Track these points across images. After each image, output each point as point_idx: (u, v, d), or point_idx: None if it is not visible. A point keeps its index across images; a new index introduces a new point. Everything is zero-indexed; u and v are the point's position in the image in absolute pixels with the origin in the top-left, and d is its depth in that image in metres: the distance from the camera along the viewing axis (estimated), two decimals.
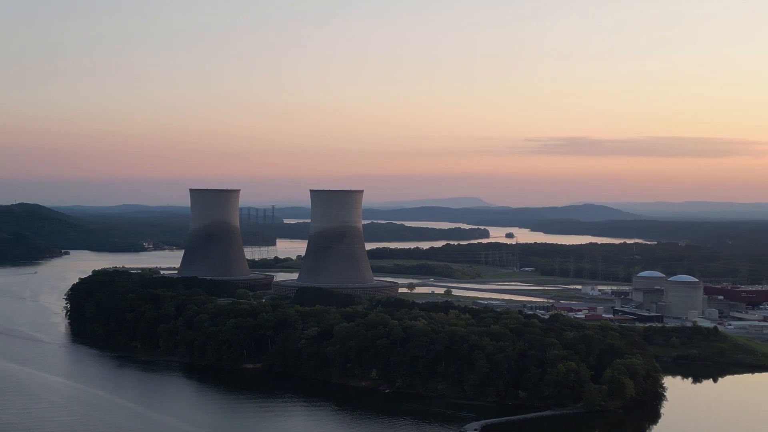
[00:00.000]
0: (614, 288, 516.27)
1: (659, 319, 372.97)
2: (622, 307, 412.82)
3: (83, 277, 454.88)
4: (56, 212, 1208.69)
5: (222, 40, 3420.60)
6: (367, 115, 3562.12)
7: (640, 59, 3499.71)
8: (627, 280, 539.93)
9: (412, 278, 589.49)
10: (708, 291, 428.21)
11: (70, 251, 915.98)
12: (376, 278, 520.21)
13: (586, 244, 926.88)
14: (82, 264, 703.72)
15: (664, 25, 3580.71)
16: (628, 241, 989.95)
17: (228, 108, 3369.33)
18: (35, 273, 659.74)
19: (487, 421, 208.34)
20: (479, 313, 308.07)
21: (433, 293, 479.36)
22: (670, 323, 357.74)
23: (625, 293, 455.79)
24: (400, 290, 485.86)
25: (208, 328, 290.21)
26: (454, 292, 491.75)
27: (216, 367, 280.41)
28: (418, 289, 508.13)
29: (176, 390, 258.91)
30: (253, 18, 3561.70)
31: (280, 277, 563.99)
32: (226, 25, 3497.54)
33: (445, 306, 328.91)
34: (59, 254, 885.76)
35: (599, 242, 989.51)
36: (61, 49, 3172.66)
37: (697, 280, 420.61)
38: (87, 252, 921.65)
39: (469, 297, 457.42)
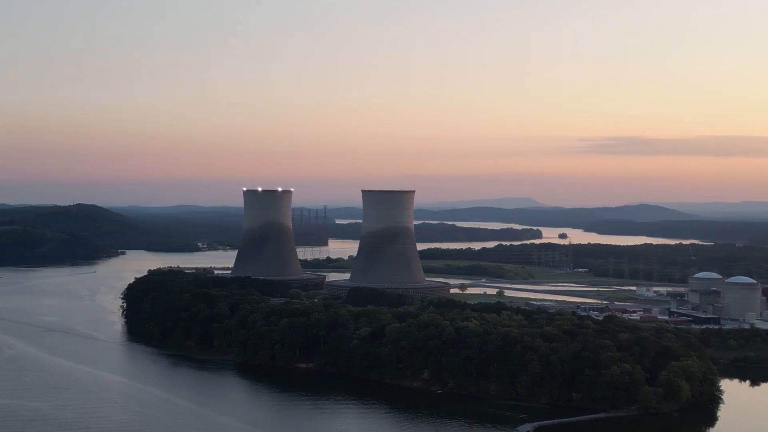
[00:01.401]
0: (670, 289, 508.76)
1: (716, 321, 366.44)
2: (677, 308, 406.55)
3: (139, 276, 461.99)
4: (113, 213, 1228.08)
5: (273, 41, 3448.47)
6: (419, 115, 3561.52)
7: (696, 58, 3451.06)
8: (683, 281, 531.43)
9: (464, 279, 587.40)
10: (766, 292, 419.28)
11: (127, 251, 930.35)
12: (427, 279, 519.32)
13: (641, 244, 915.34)
14: (138, 264, 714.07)
15: (719, 24, 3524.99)
16: (684, 242, 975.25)
17: (281, 109, 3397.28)
18: (94, 272, 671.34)
19: (540, 422, 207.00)
20: (532, 314, 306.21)
21: (485, 294, 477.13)
22: (727, 325, 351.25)
23: (681, 295, 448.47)
24: (452, 291, 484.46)
25: (262, 328, 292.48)
26: (507, 292, 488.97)
27: (269, 366, 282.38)
28: (470, 290, 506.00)
29: (230, 389, 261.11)
30: (304, 20, 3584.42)
31: (332, 277, 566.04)
32: (277, 26, 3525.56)
33: (498, 307, 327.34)
34: (116, 254, 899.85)
35: (654, 243, 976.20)
36: (113, 50, 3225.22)
37: (755, 281, 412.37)
38: (143, 252, 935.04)
39: (521, 298, 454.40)
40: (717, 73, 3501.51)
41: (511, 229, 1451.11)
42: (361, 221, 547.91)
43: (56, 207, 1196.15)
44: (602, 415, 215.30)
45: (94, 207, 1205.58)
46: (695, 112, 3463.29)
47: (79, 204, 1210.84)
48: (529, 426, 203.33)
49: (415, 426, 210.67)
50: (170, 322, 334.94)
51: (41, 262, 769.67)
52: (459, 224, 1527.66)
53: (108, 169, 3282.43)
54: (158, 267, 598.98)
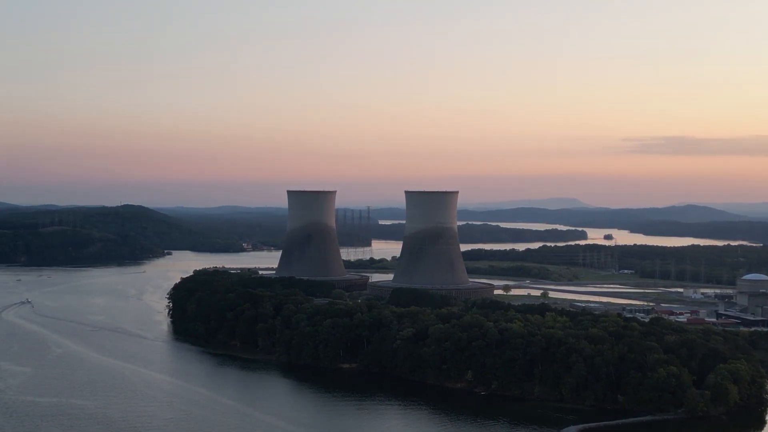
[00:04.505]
0: (717, 291, 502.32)
1: (765, 323, 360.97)
2: (725, 310, 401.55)
3: (185, 276, 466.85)
4: (159, 213, 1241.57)
5: (317, 41, 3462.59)
6: (462, 116, 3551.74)
7: (744, 57, 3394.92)
8: (731, 283, 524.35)
9: (508, 280, 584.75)
10: None
11: (173, 251, 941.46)
12: (471, 279, 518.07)
13: (688, 245, 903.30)
14: (183, 264, 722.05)
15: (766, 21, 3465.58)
16: (733, 243, 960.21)
17: (324, 110, 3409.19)
18: (144, 272, 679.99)
19: (585, 425, 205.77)
20: (577, 315, 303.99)
21: (529, 295, 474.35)
22: None
23: (729, 296, 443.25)
24: (496, 292, 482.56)
25: (305, 328, 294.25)
26: (551, 294, 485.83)
27: (313, 366, 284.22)
28: (514, 291, 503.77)
29: (274, 388, 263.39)
30: (352, 19, 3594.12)
31: (376, 277, 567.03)
32: (321, 27, 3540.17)
33: (542, 308, 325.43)
34: (162, 254, 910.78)
35: (702, 244, 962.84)
36: (159, 51, 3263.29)
37: None
38: (188, 252, 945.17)
39: (566, 299, 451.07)
40: (765, 70, 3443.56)
41: (556, 230, 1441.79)
42: (404, 222, 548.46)
43: (104, 208, 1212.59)
44: (648, 417, 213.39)
45: (140, 208, 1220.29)
46: (743, 112, 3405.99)
47: (126, 205, 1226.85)
48: (573, 428, 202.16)
49: (458, 427, 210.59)
50: (215, 321, 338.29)
51: (89, 262, 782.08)
52: (503, 225, 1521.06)
53: (154, 170, 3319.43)
54: (204, 267, 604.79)
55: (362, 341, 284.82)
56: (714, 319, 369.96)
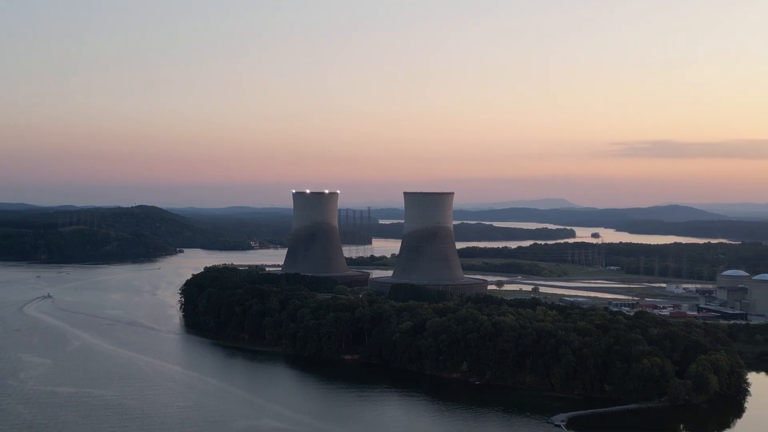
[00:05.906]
0: (699, 286, 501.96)
1: (743, 316, 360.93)
2: (706, 304, 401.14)
3: (196, 273, 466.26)
4: (172, 213, 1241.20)
5: (324, 48, 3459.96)
6: (459, 121, 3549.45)
7: (725, 63, 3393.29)
8: (711, 278, 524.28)
9: (501, 276, 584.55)
10: None
11: (184, 249, 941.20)
12: (466, 276, 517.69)
13: (671, 243, 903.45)
14: (194, 261, 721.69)
15: (749, 30, 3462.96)
16: (713, 241, 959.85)
17: (328, 115, 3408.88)
18: (159, 269, 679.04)
19: (573, 413, 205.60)
20: (566, 309, 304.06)
21: (521, 290, 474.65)
22: (754, 321, 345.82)
23: (710, 291, 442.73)
24: (489, 287, 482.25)
25: (310, 321, 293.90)
26: (542, 289, 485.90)
27: (317, 357, 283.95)
28: (507, 287, 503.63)
29: (280, 379, 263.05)
30: (354, 26, 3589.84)
31: (376, 274, 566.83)
32: (329, 32, 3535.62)
33: (533, 303, 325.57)
34: (174, 252, 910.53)
35: (683, 242, 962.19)
36: (172, 60, 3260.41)
37: None
38: (199, 250, 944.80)
39: (555, 294, 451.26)
40: (744, 77, 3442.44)
41: (546, 228, 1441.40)
42: (403, 221, 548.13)
43: (119, 208, 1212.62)
44: (633, 406, 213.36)
45: (154, 208, 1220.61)
46: (723, 117, 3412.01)
47: (141, 205, 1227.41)
48: (563, 416, 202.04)
49: (455, 414, 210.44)
50: (225, 315, 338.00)
51: (105, 259, 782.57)
52: (496, 224, 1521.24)
53: (167, 173, 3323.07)
54: (214, 264, 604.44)
55: (363, 334, 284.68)
56: (695, 313, 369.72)
